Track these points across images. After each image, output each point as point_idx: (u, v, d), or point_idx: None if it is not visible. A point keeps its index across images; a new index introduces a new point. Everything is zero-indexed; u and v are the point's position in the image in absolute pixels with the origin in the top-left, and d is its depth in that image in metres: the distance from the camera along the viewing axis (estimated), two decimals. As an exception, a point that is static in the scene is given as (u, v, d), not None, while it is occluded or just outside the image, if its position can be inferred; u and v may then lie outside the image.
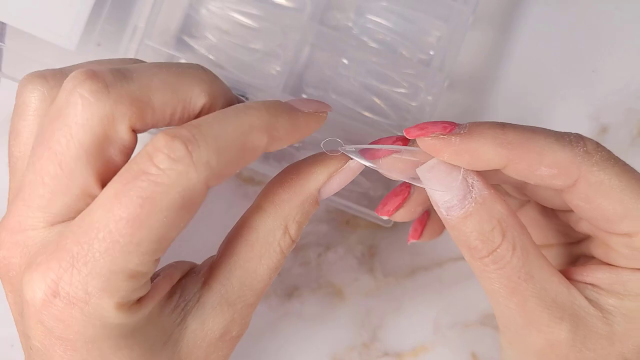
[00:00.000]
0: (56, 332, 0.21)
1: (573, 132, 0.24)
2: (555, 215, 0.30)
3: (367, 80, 0.36)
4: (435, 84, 0.35)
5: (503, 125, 0.23)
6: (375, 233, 0.38)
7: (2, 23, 0.33)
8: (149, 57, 0.35)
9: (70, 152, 0.21)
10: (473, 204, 0.23)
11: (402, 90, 0.36)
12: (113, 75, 0.21)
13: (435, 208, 0.24)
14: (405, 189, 0.27)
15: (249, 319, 0.26)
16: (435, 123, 0.24)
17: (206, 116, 0.22)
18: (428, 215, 0.30)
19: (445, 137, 0.23)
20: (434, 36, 0.37)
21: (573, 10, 0.39)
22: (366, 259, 0.38)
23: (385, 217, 0.28)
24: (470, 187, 0.23)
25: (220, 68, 0.36)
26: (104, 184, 0.21)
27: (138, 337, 0.22)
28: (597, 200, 0.23)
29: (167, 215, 0.21)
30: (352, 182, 0.36)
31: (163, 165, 0.20)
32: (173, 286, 0.25)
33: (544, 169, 0.23)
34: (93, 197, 0.21)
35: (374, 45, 0.36)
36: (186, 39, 0.37)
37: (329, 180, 0.25)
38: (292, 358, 0.38)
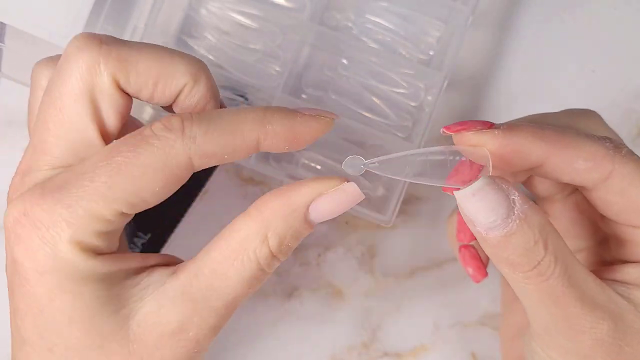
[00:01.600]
0: (16, 254, 0.23)
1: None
2: (577, 220, 0.30)
3: (366, 80, 0.36)
4: (435, 84, 0.35)
5: (539, 123, 0.25)
6: (375, 233, 0.38)
7: (2, 23, 0.33)
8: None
9: (67, 96, 0.23)
10: (517, 221, 0.22)
11: (402, 91, 0.36)
12: (107, 37, 0.24)
13: (470, 227, 0.23)
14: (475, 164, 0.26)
15: (210, 327, 0.24)
16: (474, 121, 0.24)
17: (207, 110, 0.24)
18: (475, 251, 0.31)
19: (487, 130, 0.24)
20: (434, 36, 0.37)
21: (573, 11, 0.39)
22: (366, 259, 0.38)
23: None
24: (512, 204, 0.22)
25: (220, 68, 0.36)
26: (104, 137, 0.24)
27: (89, 288, 0.23)
28: (628, 191, 0.24)
29: (145, 172, 0.22)
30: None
31: (156, 131, 0.23)
32: (145, 267, 0.25)
33: (581, 162, 0.24)
34: (94, 148, 0.24)
35: (373, 45, 0.36)
36: (186, 39, 0.37)
37: (319, 199, 0.24)
38: (292, 358, 0.38)
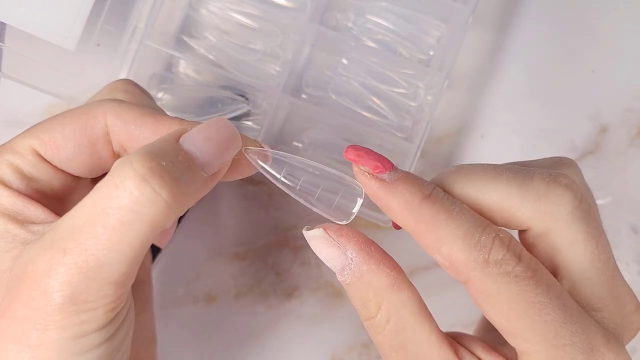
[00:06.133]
0: None
1: (497, 232, 0.23)
2: None
3: (366, 80, 0.36)
4: (434, 84, 0.35)
5: (427, 196, 0.23)
6: (375, 233, 0.38)
7: (2, 23, 0.33)
8: (149, 57, 0.35)
9: None
10: (350, 277, 0.24)
11: (402, 91, 0.36)
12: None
13: None
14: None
15: (99, 289, 0.21)
16: (372, 157, 0.24)
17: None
18: None
19: (369, 176, 0.24)
20: (434, 36, 0.37)
21: (573, 10, 0.39)
22: (366, 259, 0.38)
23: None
24: (350, 261, 0.24)
25: (220, 68, 0.36)
26: None
27: None
28: (483, 306, 0.23)
29: (61, 118, 0.25)
30: (352, 182, 0.36)
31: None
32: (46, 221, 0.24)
33: (438, 256, 0.23)
34: None
35: (373, 45, 0.36)
36: (186, 39, 0.37)
37: (190, 130, 0.23)
38: (292, 358, 0.38)
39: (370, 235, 0.38)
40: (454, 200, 0.23)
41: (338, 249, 0.24)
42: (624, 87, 0.39)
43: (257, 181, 0.38)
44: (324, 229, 0.24)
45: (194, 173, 0.23)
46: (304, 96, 0.37)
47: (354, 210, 0.26)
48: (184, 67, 0.37)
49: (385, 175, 0.24)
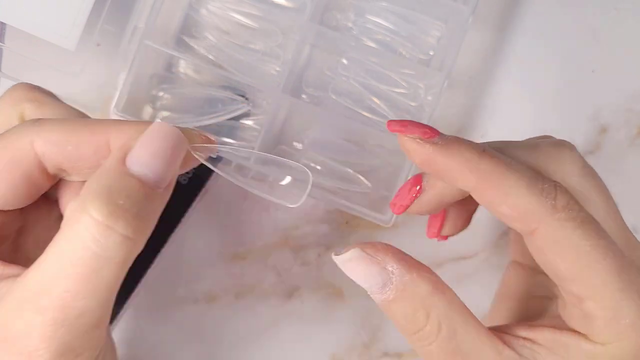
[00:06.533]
0: None
1: (554, 181, 0.23)
2: None
3: (366, 80, 0.36)
4: (435, 84, 0.35)
5: (482, 151, 0.23)
6: (375, 233, 0.38)
7: (2, 23, 0.33)
8: (149, 57, 0.35)
9: None
10: (394, 292, 0.22)
11: (402, 91, 0.36)
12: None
13: None
14: (414, 187, 0.26)
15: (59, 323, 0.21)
16: (418, 125, 0.23)
17: None
18: (445, 213, 0.29)
19: (421, 142, 0.23)
20: (434, 36, 0.37)
21: (573, 11, 0.39)
22: (366, 259, 0.38)
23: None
24: (391, 274, 0.22)
25: (220, 68, 0.36)
26: None
27: None
28: (549, 254, 0.23)
29: None
30: (352, 182, 0.36)
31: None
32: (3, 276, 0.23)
33: (505, 208, 0.23)
34: None
35: (373, 45, 0.36)
36: (186, 39, 0.37)
37: (133, 149, 0.22)
38: (292, 358, 0.38)
39: (371, 236, 0.38)
40: (505, 155, 0.23)
41: (378, 265, 0.22)
42: (624, 87, 0.39)
43: (257, 181, 0.38)
44: (361, 248, 0.23)
45: (151, 198, 0.22)
46: (304, 96, 0.37)
47: (306, 192, 0.25)
48: (184, 67, 0.37)
49: (437, 139, 0.23)
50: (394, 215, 0.34)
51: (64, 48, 0.33)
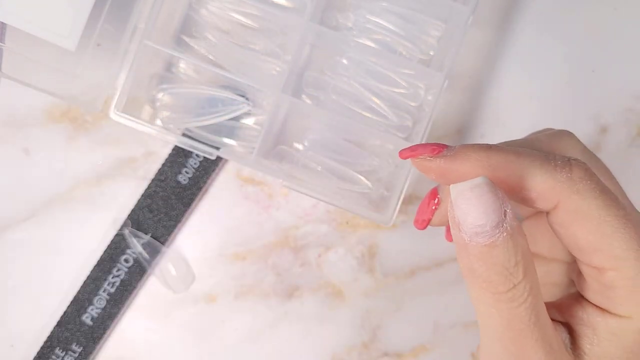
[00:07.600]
0: None
1: (567, 156, 0.23)
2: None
3: (366, 80, 0.36)
4: (435, 84, 0.35)
5: (488, 148, 0.23)
6: (375, 233, 0.38)
7: (2, 23, 0.33)
8: (149, 57, 0.35)
9: None
10: (504, 234, 0.21)
11: (402, 91, 0.36)
12: None
13: (453, 232, 0.22)
14: (432, 200, 0.26)
15: None
16: (424, 145, 0.24)
17: None
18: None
19: (431, 158, 0.24)
20: (434, 36, 0.37)
21: (573, 11, 0.39)
22: (366, 259, 0.38)
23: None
24: (504, 215, 0.21)
25: (220, 68, 0.36)
26: None
27: None
28: (571, 227, 0.23)
29: None
30: (352, 182, 0.36)
31: None
32: None
33: (525, 192, 0.23)
34: None
35: (373, 45, 0.36)
36: (186, 39, 0.37)
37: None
38: (292, 358, 0.38)
39: (371, 235, 0.38)
40: (508, 146, 0.24)
41: (500, 200, 0.21)
42: (624, 87, 0.39)
43: (257, 181, 0.38)
44: (487, 178, 0.21)
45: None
46: (304, 96, 0.37)
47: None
48: (184, 67, 0.37)
49: (444, 152, 0.23)
50: (394, 215, 0.34)
51: (64, 48, 0.33)
